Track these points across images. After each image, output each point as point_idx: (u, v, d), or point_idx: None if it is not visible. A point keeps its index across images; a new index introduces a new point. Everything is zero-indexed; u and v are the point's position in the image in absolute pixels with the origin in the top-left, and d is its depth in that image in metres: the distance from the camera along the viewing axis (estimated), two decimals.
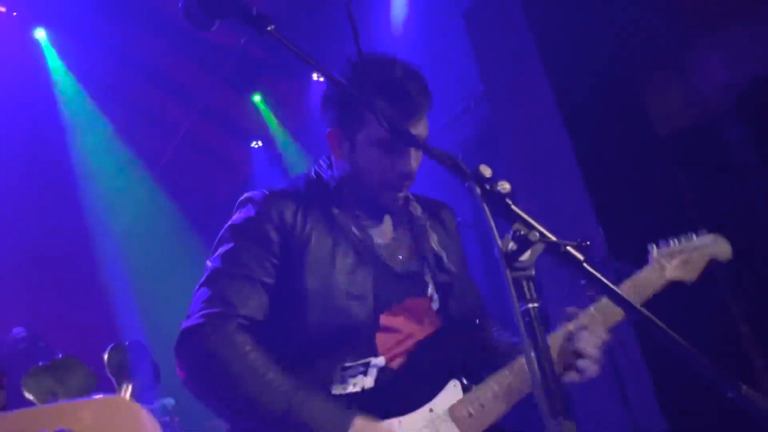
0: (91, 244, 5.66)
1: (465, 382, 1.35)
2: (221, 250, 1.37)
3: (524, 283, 0.80)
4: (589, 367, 1.30)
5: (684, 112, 3.57)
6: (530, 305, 0.79)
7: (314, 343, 1.33)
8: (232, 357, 1.24)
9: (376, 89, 1.31)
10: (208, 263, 1.39)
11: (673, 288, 1.45)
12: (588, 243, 0.80)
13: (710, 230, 3.20)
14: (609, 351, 2.05)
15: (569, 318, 1.37)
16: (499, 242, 0.81)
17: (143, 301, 5.51)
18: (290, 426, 1.19)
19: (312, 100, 5.26)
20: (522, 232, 0.81)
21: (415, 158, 1.37)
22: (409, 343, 1.38)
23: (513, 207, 0.85)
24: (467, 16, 3.93)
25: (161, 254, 5.88)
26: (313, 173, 1.49)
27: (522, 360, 1.32)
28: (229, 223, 1.43)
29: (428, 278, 1.46)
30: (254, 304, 1.31)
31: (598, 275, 0.84)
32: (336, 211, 1.41)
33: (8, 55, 4.66)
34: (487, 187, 0.86)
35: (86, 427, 0.67)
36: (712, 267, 1.55)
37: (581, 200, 3.36)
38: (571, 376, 1.32)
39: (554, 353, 1.30)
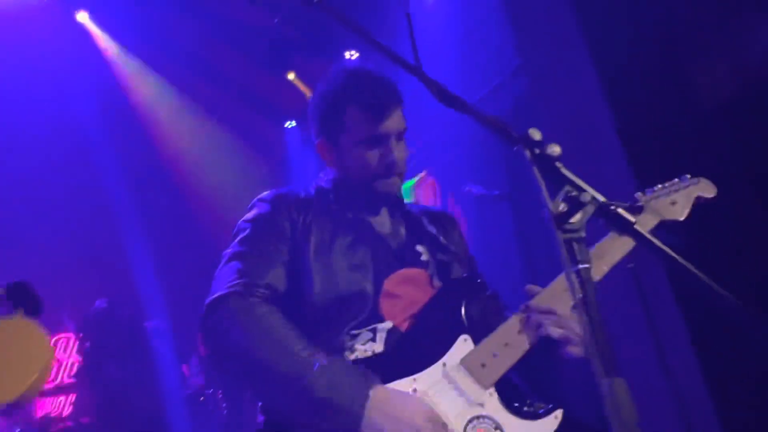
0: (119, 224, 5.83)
1: (474, 336, 1.36)
2: (239, 237, 1.50)
3: (575, 245, 0.80)
4: (570, 350, 1.32)
5: (731, 83, 3.45)
6: (581, 266, 0.79)
7: (320, 315, 1.39)
8: (256, 325, 1.29)
9: (349, 97, 1.49)
10: (227, 251, 1.49)
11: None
12: (638, 204, 0.79)
13: (756, 203, 3.10)
14: (649, 321, 2.04)
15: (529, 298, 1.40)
16: (550, 204, 0.82)
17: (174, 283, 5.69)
18: (310, 394, 1.22)
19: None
20: (573, 194, 0.81)
21: (398, 149, 1.52)
22: (414, 308, 1.44)
23: (563, 170, 0.85)
24: None
25: (192, 237, 6.03)
26: (313, 184, 1.64)
27: (525, 307, 1.36)
28: (243, 219, 1.55)
29: (425, 257, 1.55)
30: (275, 276, 1.40)
31: (649, 237, 0.84)
32: (334, 206, 1.56)
33: (58, 42, 4.79)
34: (537, 150, 0.86)
35: None
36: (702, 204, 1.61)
37: (622, 175, 3.30)
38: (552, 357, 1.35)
39: (516, 335, 1.33)
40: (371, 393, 1.22)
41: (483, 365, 1.30)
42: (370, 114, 1.48)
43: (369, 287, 1.43)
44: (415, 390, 1.28)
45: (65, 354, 6.46)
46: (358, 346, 1.38)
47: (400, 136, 1.54)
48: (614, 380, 0.73)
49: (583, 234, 0.82)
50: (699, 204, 1.60)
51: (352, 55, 5.14)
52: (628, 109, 3.37)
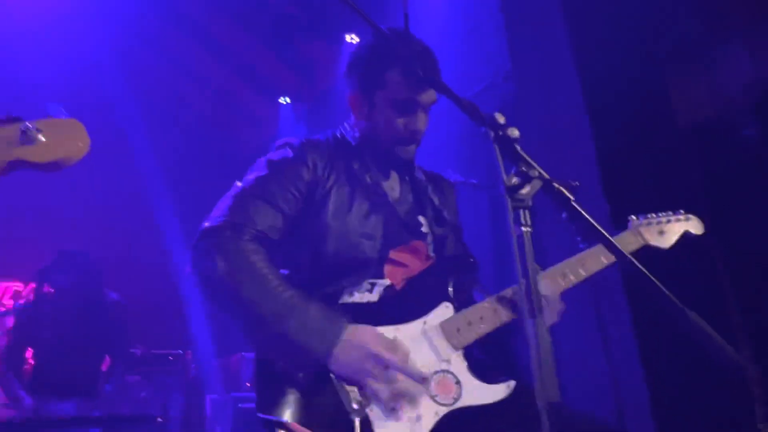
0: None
1: (456, 305, 1.52)
2: (253, 174, 1.57)
3: (522, 212, 0.97)
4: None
5: (706, 106, 3.66)
6: (524, 229, 0.96)
7: (326, 270, 1.52)
8: (242, 260, 1.40)
9: (396, 59, 1.55)
10: (238, 183, 1.57)
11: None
12: (577, 184, 0.96)
13: (720, 223, 3.31)
14: (595, 300, 2.24)
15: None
16: (505, 177, 0.98)
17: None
18: (285, 327, 1.34)
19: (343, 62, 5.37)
20: (524, 169, 0.98)
21: (422, 120, 1.62)
22: (411, 274, 1.59)
23: (519, 150, 1.01)
24: None
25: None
26: (338, 133, 1.73)
27: (505, 291, 1.52)
28: (266, 157, 1.62)
29: (426, 228, 1.68)
30: (270, 223, 1.49)
31: (584, 213, 1.01)
32: (356, 165, 1.64)
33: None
34: (500, 132, 1.03)
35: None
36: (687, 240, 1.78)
37: (594, 183, 3.49)
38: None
39: (491, 313, 1.51)
40: (342, 335, 1.36)
41: (458, 330, 1.46)
42: (412, 81, 1.55)
43: (376, 255, 1.56)
44: (395, 337, 1.43)
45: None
46: (356, 293, 1.52)
47: (427, 109, 1.63)
48: (537, 320, 0.90)
49: (529, 204, 0.98)
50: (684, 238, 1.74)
51: (352, 38, 5.26)
52: (607, 126, 3.56)
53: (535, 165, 0.99)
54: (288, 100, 6.25)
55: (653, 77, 3.66)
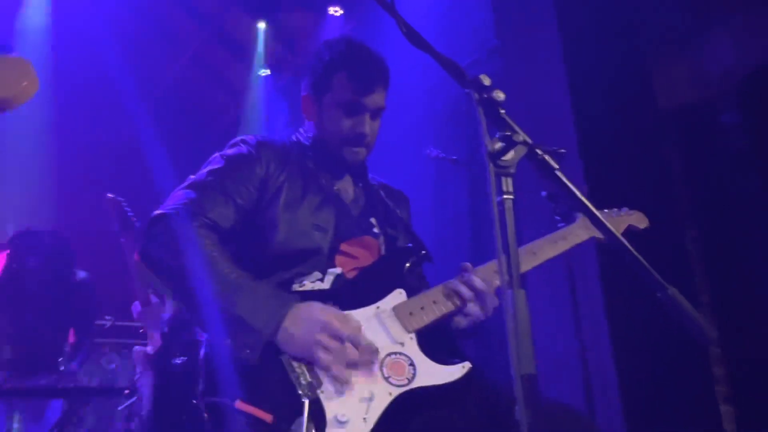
0: None
1: (408, 293, 1.52)
2: (207, 167, 1.60)
3: (504, 179, 0.93)
4: (474, 311, 1.50)
5: (686, 90, 3.66)
6: (505, 197, 0.92)
7: (278, 259, 1.52)
8: (190, 243, 1.40)
9: (344, 64, 1.63)
10: (191, 176, 1.58)
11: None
12: (563, 151, 0.92)
13: (693, 208, 3.33)
14: (569, 274, 2.23)
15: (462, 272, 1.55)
16: (488, 141, 0.94)
17: None
18: (232, 305, 1.33)
19: (325, 35, 5.28)
20: (508, 134, 0.93)
21: (369, 124, 1.65)
22: (363, 265, 1.60)
23: (503, 114, 0.97)
24: None
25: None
26: (293, 136, 1.77)
27: (454, 280, 1.52)
28: (221, 152, 1.65)
29: (377, 230, 1.71)
30: (223, 212, 1.50)
31: (568, 182, 0.97)
32: (310, 164, 1.68)
33: None
34: (485, 95, 0.98)
35: None
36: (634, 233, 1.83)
37: (574, 163, 3.48)
38: (458, 320, 1.53)
39: (443, 298, 1.51)
40: (290, 308, 1.34)
41: (411, 314, 1.46)
42: (356, 83, 1.60)
43: (327, 246, 1.56)
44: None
45: None
46: (306, 282, 1.51)
47: (375, 114, 1.66)
48: (516, 291, 0.86)
49: (512, 171, 0.94)
50: (630, 231, 1.80)
51: (336, 11, 5.14)
52: (590, 107, 3.55)
53: (519, 130, 0.94)
54: (268, 72, 6.12)
55: (637, 60, 3.64)
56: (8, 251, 4.06)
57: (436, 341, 1.51)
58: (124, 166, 6.18)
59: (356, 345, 1.33)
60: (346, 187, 1.74)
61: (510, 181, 0.93)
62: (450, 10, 4.21)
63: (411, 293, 1.52)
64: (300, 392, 1.27)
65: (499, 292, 1.51)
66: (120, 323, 4.33)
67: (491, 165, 0.92)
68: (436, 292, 1.52)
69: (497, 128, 0.97)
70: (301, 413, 1.23)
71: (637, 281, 1.06)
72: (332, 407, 1.27)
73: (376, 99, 1.63)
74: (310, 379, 1.29)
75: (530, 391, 0.84)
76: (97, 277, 4.08)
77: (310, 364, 1.31)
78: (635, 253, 1.04)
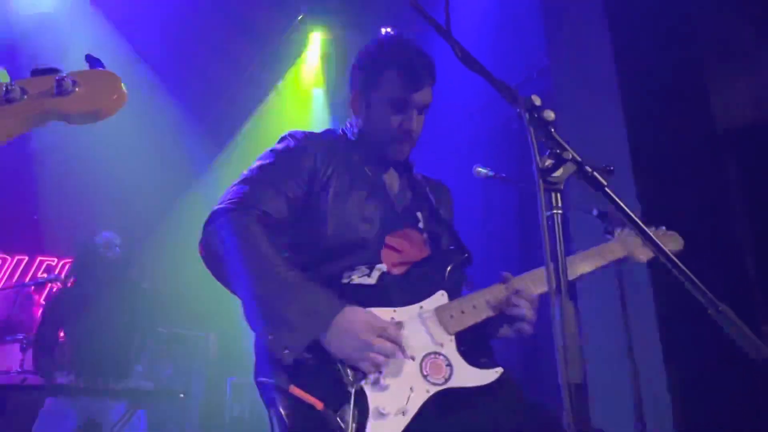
0: None
1: (450, 296, 1.57)
2: (258, 163, 1.66)
3: (553, 195, 0.97)
4: (524, 328, 1.55)
5: (746, 111, 3.56)
6: (555, 212, 0.96)
7: (327, 251, 1.58)
8: (247, 239, 1.46)
9: (394, 61, 1.67)
10: (244, 171, 1.65)
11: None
12: (612, 168, 0.95)
13: (752, 232, 3.22)
14: (621, 296, 2.22)
15: (503, 281, 1.59)
16: (538, 158, 0.98)
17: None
18: (283, 306, 1.38)
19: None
20: (557, 152, 0.97)
21: (416, 120, 1.69)
22: (408, 261, 1.65)
23: (554, 133, 1.01)
24: None
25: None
26: (339, 131, 1.82)
27: (497, 285, 1.58)
28: (270, 148, 1.71)
29: (422, 224, 1.74)
30: (275, 206, 1.56)
31: (617, 199, 1.00)
32: (356, 157, 1.72)
33: None
34: (535, 114, 1.02)
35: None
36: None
37: (628, 184, 3.44)
38: (504, 331, 1.59)
39: (484, 303, 1.56)
40: (336, 315, 1.39)
41: (451, 317, 1.51)
42: (404, 80, 1.64)
43: (373, 238, 1.61)
44: (392, 318, 1.48)
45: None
46: (354, 276, 1.57)
47: (422, 110, 1.70)
48: (564, 301, 0.90)
49: (561, 187, 0.98)
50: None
51: (388, 32, 5.26)
52: (644, 121, 3.50)
53: (568, 148, 0.98)
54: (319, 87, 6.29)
55: (693, 77, 3.57)
56: (73, 258, 4.29)
57: (473, 345, 1.55)
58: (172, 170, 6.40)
59: (397, 350, 1.39)
60: (392, 181, 1.77)
61: (558, 196, 0.96)
62: (502, 31, 4.26)
63: (452, 296, 1.57)
64: (346, 382, 1.35)
65: (546, 301, 1.54)
66: (177, 330, 4.51)
67: (541, 181, 0.96)
68: (477, 297, 1.56)
69: (547, 146, 1.01)
70: (346, 402, 1.31)
71: (691, 298, 1.07)
72: (375, 399, 1.35)
73: (424, 95, 1.67)
74: (354, 372, 1.37)
75: (578, 400, 0.86)
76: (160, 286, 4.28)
77: (354, 365, 1.38)
78: (686, 270, 1.06)
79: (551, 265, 0.90)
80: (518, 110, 1.04)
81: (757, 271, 3.21)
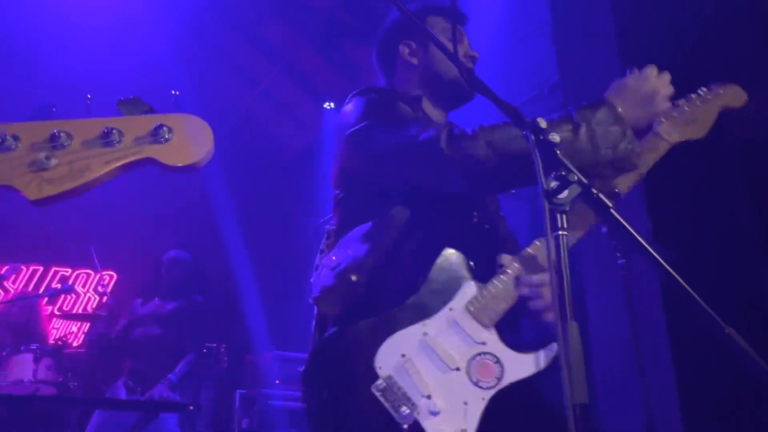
0: None
1: (481, 280, 1.46)
2: (370, 112, 1.58)
3: (558, 216, 0.98)
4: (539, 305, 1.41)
5: (758, 124, 3.54)
6: (560, 233, 0.97)
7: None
8: (480, 139, 1.38)
9: (432, 6, 1.81)
10: (362, 123, 1.56)
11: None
12: (618, 190, 0.96)
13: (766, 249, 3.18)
14: (631, 314, 2.20)
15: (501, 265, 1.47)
16: (544, 180, 0.99)
17: None
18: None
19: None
20: (563, 173, 0.99)
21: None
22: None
23: (559, 155, 1.02)
24: (554, 6, 3.99)
25: None
26: (394, 91, 1.78)
27: (523, 252, 1.46)
28: (360, 106, 1.63)
29: None
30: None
31: (623, 221, 1.01)
32: (421, 115, 1.69)
33: None
34: (541, 136, 1.04)
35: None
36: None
37: (637, 199, 3.42)
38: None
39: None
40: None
41: (485, 306, 1.40)
42: (451, 17, 1.68)
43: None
44: (425, 333, 1.38)
45: (83, 287, 6.79)
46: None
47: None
48: (569, 324, 0.91)
49: (567, 208, 0.99)
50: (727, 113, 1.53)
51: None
52: None
53: (574, 170, 0.99)
54: (332, 105, 6.34)
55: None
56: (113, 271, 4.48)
57: (515, 326, 1.49)
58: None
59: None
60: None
61: (564, 217, 0.98)
62: (513, 47, 4.28)
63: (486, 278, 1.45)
64: (399, 421, 1.30)
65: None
66: (208, 344, 4.63)
67: (546, 203, 0.98)
68: (506, 275, 1.43)
69: (553, 168, 1.03)
70: None
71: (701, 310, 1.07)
72: (431, 426, 1.29)
73: (466, 43, 1.81)
74: (404, 404, 1.31)
75: (583, 421, 0.87)
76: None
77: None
78: (692, 292, 1.06)
79: (557, 286, 0.91)
80: (524, 132, 1.05)
81: None
